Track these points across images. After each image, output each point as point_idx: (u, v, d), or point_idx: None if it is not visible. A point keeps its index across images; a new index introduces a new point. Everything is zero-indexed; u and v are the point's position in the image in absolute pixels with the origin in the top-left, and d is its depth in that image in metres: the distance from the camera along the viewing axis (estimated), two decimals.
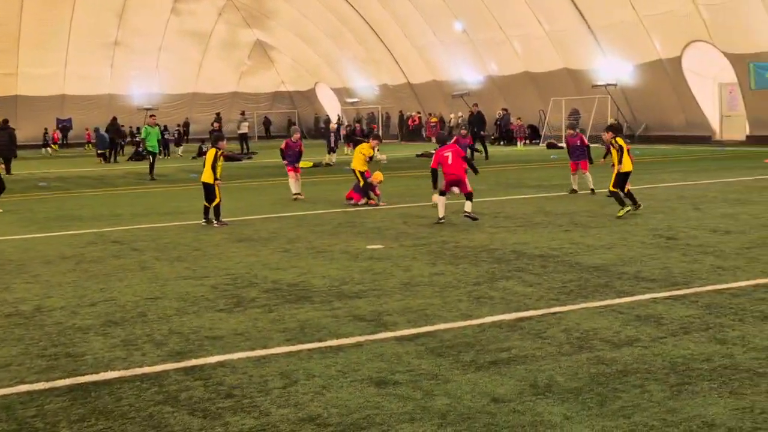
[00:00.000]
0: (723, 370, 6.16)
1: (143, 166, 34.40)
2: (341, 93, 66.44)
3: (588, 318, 7.82)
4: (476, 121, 37.03)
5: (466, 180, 15.04)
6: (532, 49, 45.80)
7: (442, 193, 15.14)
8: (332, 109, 67.27)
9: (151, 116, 31.11)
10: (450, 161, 15.03)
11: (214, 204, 15.54)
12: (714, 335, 7.09)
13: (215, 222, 15.52)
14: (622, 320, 7.69)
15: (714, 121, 40.18)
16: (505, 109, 48.02)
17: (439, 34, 51.41)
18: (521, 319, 7.86)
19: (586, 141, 19.82)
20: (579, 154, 19.14)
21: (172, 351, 7.21)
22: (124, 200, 21.54)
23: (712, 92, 40.54)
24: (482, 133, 36.76)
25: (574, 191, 19.21)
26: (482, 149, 34.32)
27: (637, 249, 11.51)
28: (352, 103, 64.02)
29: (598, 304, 8.35)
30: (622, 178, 15.32)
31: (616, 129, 17.00)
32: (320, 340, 7.37)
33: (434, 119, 55.67)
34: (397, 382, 6.19)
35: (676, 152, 34.68)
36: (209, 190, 15.53)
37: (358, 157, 18.64)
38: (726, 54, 36.78)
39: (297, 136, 21.13)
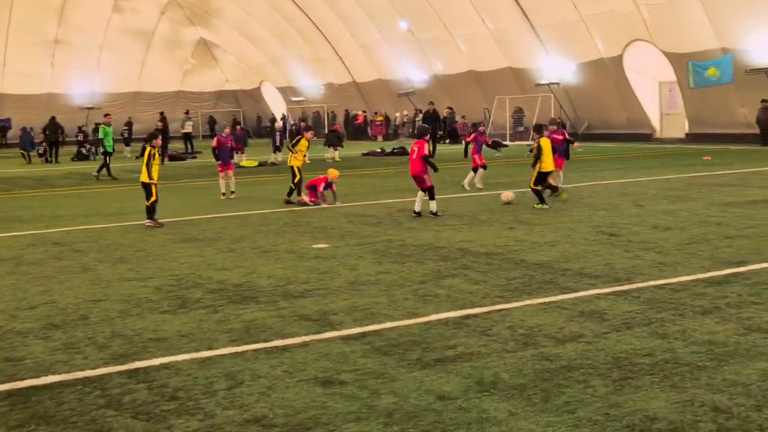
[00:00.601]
0: (664, 365, 6.26)
1: (86, 167, 33.88)
2: (287, 92, 66.19)
3: (532, 315, 7.90)
4: (431, 119, 37.23)
5: (425, 176, 15.38)
6: (477, 49, 46.14)
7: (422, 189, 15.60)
8: (278, 108, 66.96)
9: (106, 115, 30.81)
10: (414, 156, 15.60)
11: (149, 203, 15.33)
12: (655, 330, 7.20)
13: (148, 221, 15.33)
14: (566, 316, 7.77)
15: (654, 119, 40.91)
16: (451, 108, 48.27)
17: (384, 33, 51.50)
18: (467, 317, 7.90)
19: (567, 135, 20.15)
20: (561, 151, 18.49)
21: (115, 354, 7.10)
22: (65, 201, 21.16)
23: (653, 91, 41.27)
24: (439, 132, 37.04)
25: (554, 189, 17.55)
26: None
27: (581, 246, 11.65)
28: (298, 102, 63.82)
29: (543, 301, 8.43)
30: (541, 177, 16.22)
31: (538, 129, 17.47)
32: (266, 341, 7.32)
33: (380, 118, 55.75)
34: (343, 381, 6.17)
35: (618, 150, 35.20)
36: (148, 189, 15.39)
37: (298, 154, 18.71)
38: (666, 53, 37.44)
39: (227, 131, 21.58)
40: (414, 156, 15.57)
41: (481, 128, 21.39)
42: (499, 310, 8.11)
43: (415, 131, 17.11)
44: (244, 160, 32.88)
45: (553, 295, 8.68)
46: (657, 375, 6.03)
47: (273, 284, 9.74)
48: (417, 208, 15.46)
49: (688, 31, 35.45)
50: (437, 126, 36.68)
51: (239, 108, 72.28)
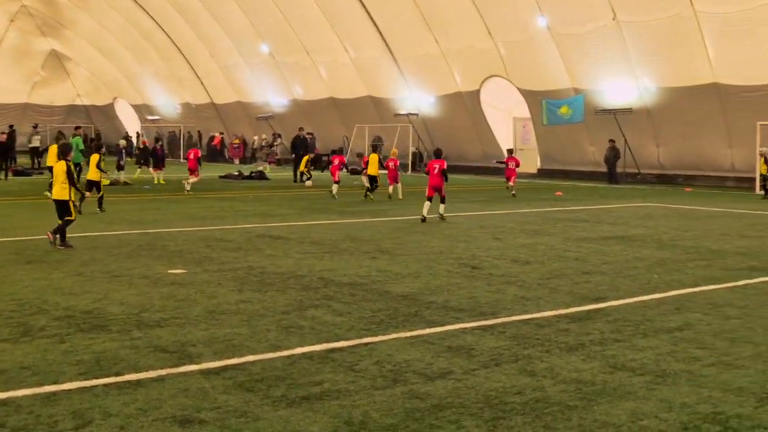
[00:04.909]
0: (535, 404, 6.16)
1: None
2: (141, 110, 64.45)
3: (400, 349, 7.69)
4: (301, 144, 36.95)
5: (442, 187, 19.42)
6: (338, 76, 46.28)
7: (429, 199, 19.20)
8: (132, 125, 65.06)
9: (77, 128, 30.98)
10: (436, 171, 19.36)
11: (66, 219, 14.16)
12: (524, 367, 7.13)
13: (58, 243, 14.03)
14: (433, 351, 7.61)
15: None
16: (311, 134, 48.11)
17: (245, 55, 50.96)
18: (332, 350, 7.62)
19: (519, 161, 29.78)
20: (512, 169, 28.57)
21: None
22: None
23: (507, 126, 42.42)
24: (309, 156, 36.86)
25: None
26: (306, 172, 34.03)
27: (444, 278, 11.59)
28: (153, 121, 62.18)
29: (409, 335, 8.25)
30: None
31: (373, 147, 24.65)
32: (118, 374, 6.80)
33: (236, 141, 55.00)
34: (203, 420, 5.76)
35: (473, 182, 35.87)
36: (64, 207, 14.23)
37: (93, 169, 20.17)
38: (521, 90, 38.60)
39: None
40: (435, 171, 19.33)
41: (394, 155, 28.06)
42: (366, 344, 7.87)
43: (434, 152, 20.99)
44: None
45: (419, 328, 8.51)
46: (528, 415, 5.91)
47: (126, 312, 9.16)
48: (425, 213, 18.96)
49: (542, 70, 36.67)
50: (306, 150, 36.50)
51: (91, 124, 69.75)
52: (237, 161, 53.14)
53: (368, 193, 25.95)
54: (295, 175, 35.86)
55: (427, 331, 8.42)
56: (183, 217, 19.42)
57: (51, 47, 64.27)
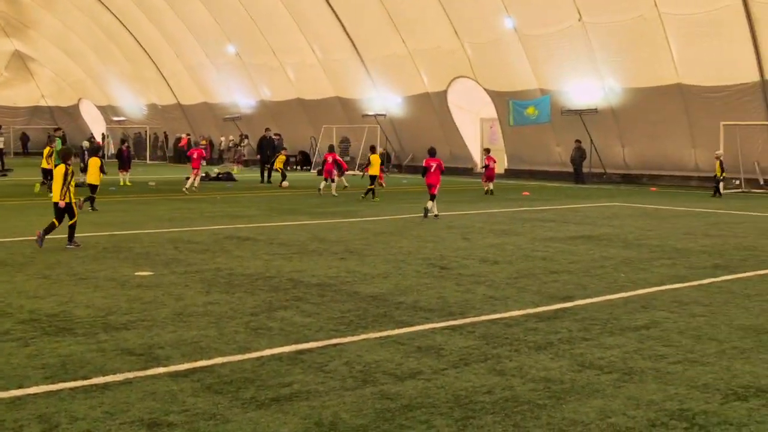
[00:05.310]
0: (504, 403, 6.18)
1: None
2: (107, 111, 63.88)
3: (369, 350, 7.68)
4: (267, 145, 36.80)
5: (438, 185, 20.68)
6: (305, 77, 46.20)
7: (432, 197, 20.42)
8: (97, 127, 64.45)
9: (56, 129, 31.29)
10: (433, 169, 20.59)
11: (71, 222, 14.55)
12: (493, 366, 7.15)
13: (41, 240, 14.42)
14: (403, 352, 7.61)
15: (476, 154, 42.13)
16: (278, 135, 47.97)
17: (211, 56, 50.69)
18: (302, 352, 7.59)
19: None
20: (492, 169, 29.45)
21: None
22: None
23: (475, 127, 42.57)
24: (272, 157, 36.89)
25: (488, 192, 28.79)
26: (279, 172, 33.95)
27: (413, 278, 11.60)
28: (119, 122, 61.65)
29: (379, 335, 8.25)
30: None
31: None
32: (84, 378, 6.73)
33: (204, 141, 54.64)
34: (172, 423, 5.72)
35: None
36: (65, 210, 14.50)
37: (95, 173, 20.97)
38: (488, 91, 38.75)
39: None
40: (433, 170, 20.51)
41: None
42: (335, 345, 7.85)
43: (428, 151, 21.66)
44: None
45: (389, 329, 8.51)
46: (498, 414, 5.93)
47: (92, 315, 9.06)
48: (429, 206, 20.15)
49: (509, 71, 36.86)
50: (273, 151, 36.39)
51: (55, 125, 69.02)
52: (204, 162, 52.76)
53: (370, 193, 26.24)
54: (262, 175, 35.73)
55: (397, 331, 8.43)
56: (150, 219, 19.27)
57: (14, 48, 63.55)
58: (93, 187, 21.07)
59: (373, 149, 28.23)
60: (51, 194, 15.18)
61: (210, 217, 19.87)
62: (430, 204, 20.35)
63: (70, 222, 14.57)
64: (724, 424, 5.77)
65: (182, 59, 52.96)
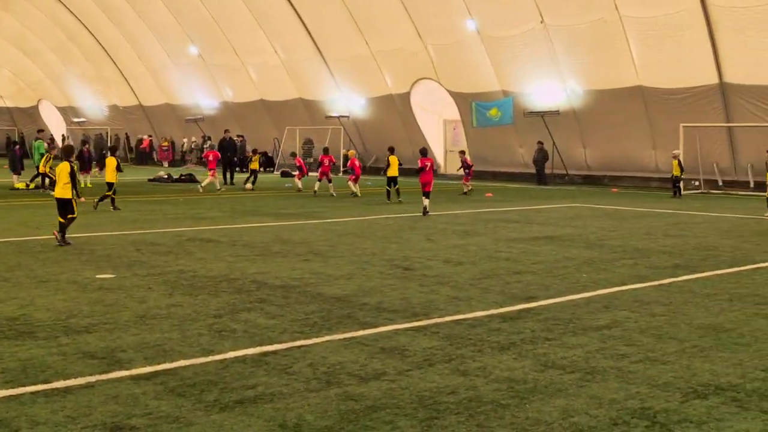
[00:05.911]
0: (468, 403, 6.21)
1: None
2: (67, 112, 63.13)
3: (333, 351, 7.68)
4: (228, 146, 36.63)
5: (431, 183, 22.05)
6: (268, 78, 46.01)
7: (426, 195, 21.55)
8: (57, 128, 63.66)
9: (40, 131, 32.44)
10: (427, 169, 22.14)
11: (68, 217, 14.96)
12: (457, 367, 7.18)
13: (58, 238, 14.91)
14: (367, 353, 7.62)
15: (439, 156, 42.21)
16: (241, 136, 47.75)
17: (173, 56, 50.32)
18: (266, 354, 7.57)
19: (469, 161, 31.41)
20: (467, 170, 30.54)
21: None
22: None
23: (438, 128, 42.66)
24: (234, 159, 36.77)
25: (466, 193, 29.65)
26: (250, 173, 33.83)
27: (377, 279, 11.61)
28: (79, 123, 60.96)
29: (343, 337, 8.25)
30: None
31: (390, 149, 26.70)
32: (45, 382, 6.65)
33: (165, 143, 54.27)
34: (134, 426, 5.67)
35: (404, 184, 35.94)
36: (68, 204, 14.98)
37: (112, 171, 22.06)
38: (451, 92, 38.87)
39: None
40: (427, 169, 22.15)
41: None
42: (299, 347, 7.84)
43: (420, 151, 23.32)
44: (17, 182, 30.82)
45: (352, 330, 8.51)
46: (462, 414, 5.96)
47: (53, 318, 8.96)
48: (426, 205, 21.20)
49: (472, 73, 37.01)
50: (235, 153, 36.27)
51: (14, 126, 68.05)
52: (166, 164, 52.42)
53: (396, 194, 25.97)
54: (224, 177, 35.57)
55: (361, 332, 8.43)
56: (112, 221, 19.08)
57: None
58: (110, 186, 21.91)
59: (392, 150, 27.56)
60: (47, 192, 15.63)
61: (173, 219, 19.73)
62: (426, 202, 21.34)
63: (69, 216, 14.99)
64: (685, 422, 5.85)
65: (144, 60, 52.51)
